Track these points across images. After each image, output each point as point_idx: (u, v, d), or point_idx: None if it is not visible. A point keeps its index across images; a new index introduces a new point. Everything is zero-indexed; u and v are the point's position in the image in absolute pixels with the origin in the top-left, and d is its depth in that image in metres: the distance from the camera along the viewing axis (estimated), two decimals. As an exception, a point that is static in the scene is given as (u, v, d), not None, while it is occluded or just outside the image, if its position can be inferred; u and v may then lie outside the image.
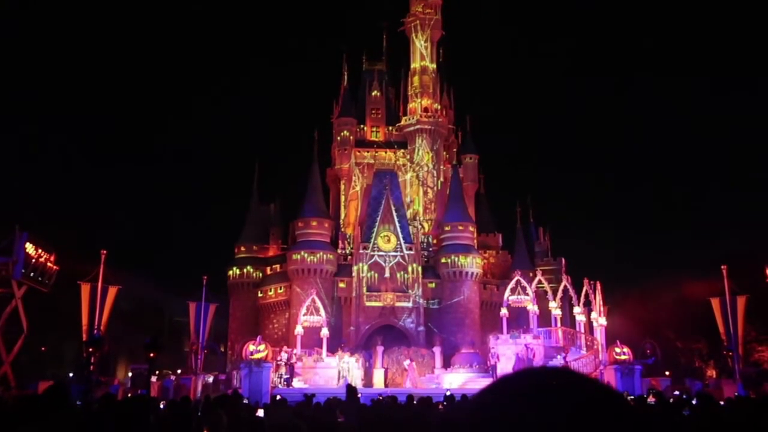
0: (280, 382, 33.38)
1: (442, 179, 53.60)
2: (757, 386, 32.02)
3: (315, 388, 28.87)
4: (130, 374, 39.34)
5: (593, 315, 38.89)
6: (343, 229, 51.31)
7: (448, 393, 22.73)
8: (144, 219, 76.48)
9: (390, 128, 54.83)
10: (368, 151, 54.02)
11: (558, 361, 36.12)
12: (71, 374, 43.23)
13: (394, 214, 48.37)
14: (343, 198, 53.68)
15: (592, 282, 39.45)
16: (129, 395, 23.54)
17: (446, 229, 49.35)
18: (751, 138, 79.00)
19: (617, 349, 33.84)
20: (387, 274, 47.05)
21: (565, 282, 41.42)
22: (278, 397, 17.90)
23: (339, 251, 48.54)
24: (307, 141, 53.21)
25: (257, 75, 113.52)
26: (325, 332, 38.61)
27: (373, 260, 47.35)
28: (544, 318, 40.94)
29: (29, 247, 31.34)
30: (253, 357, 32.18)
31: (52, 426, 3.51)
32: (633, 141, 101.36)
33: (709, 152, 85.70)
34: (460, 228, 49.10)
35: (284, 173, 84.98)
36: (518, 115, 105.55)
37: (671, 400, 17.81)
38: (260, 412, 11.19)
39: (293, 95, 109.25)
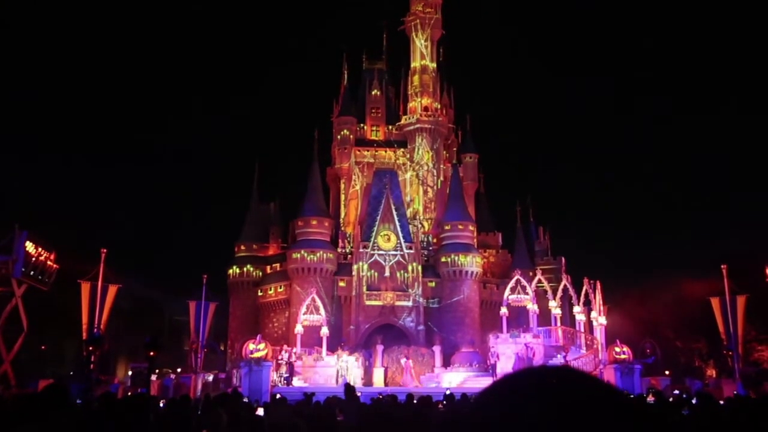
0: (280, 381, 33.41)
1: (442, 178, 53.60)
2: (756, 386, 32.05)
3: (315, 387, 28.86)
4: (130, 373, 39.41)
5: (593, 314, 38.93)
6: (343, 228, 51.32)
7: (447, 392, 22.71)
8: (144, 219, 76.50)
9: (390, 127, 54.82)
10: (368, 150, 54.02)
11: (558, 360, 36.16)
12: (71, 373, 43.26)
13: (394, 213, 48.37)
14: (343, 197, 53.69)
15: (592, 281, 39.52)
16: (129, 394, 23.53)
17: (446, 228, 49.35)
18: (751, 138, 79.05)
19: (617, 349, 33.88)
20: (387, 273, 47.05)
21: (565, 281, 41.45)
22: (278, 396, 17.91)
23: (339, 250, 48.54)
24: (307, 140, 53.26)
25: (258, 75, 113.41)
26: (325, 331, 38.63)
27: (373, 259, 47.35)
28: (544, 317, 40.95)
29: (29, 246, 31.35)
30: (253, 356, 32.22)
31: (51, 425, 3.51)
32: (633, 141, 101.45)
33: (709, 152, 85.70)
34: (460, 227, 49.10)
35: (284, 172, 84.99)
36: (518, 114, 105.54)
37: (671, 400, 17.82)
38: (260, 411, 11.20)
39: (293, 95, 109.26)
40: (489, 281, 50.56)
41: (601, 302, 38.98)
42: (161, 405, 12.28)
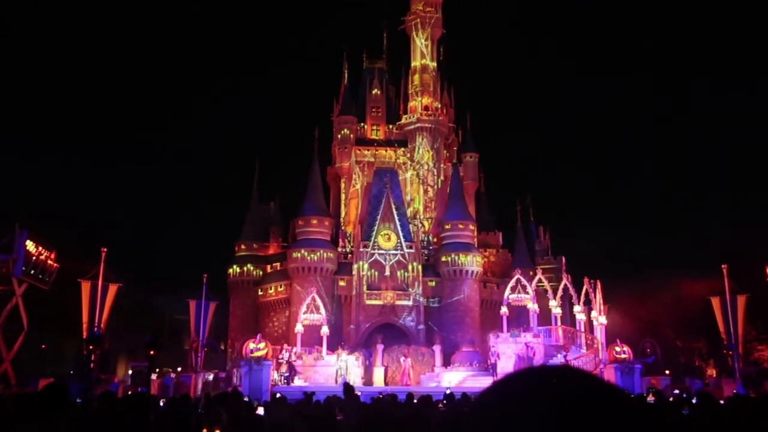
0: (281, 380, 33.43)
1: (442, 178, 53.60)
2: (757, 385, 32.06)
3: (315, 387, 28.87)
4: (130, 372, 39.44)
5: (593, 314, 38.93)
6: (343, 228, 51.33)
7: (448, 391, 22.71)
8: (144, 219, 76.52)
9: (390, 126, 54.82)
10: (368, 150, 54.01)
11: (558, 359, 36.16)
12: (72, 372, 43.27)
13: (395, 212, 48.38)
14: (343, 196, 53.68)
15: (592, 281, 39.52)
16: (129, 393, 23.53)
17: (446, 227, 49.35)
18: (751, 138, 79.04)
19: (617, 348, 33.87)
20: (387, 273, 47.05)
21: (565, 281, 41.46)
22: (278, 395, 17.92)
23: (339, 249, 48.55)
24: (308, 139, 53.31)
25: (257, 75, 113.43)
26: (325, 330, 38.64)
27: (373, 258, 47.36)
28: (545, 317, 40.95)
29: (30, 245, 31.34)
30: (253, 355, 32.22)
31: (51, 424, 3.51)
32: (633, 141, 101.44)
33: (709, 152, 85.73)
34: (461, 226, 49.09)
35: (284, 172, 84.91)
36: (518, 113, 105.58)
37: (671, 399, 17.83)
38: (260, 410, 11.20)
39: (293, 94, 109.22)
40: (489, 281, 50.57)
41: (601, 302, 38.98)
42: (161, 404, 12.29)
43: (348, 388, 11.47)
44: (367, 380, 38.13)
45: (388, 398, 13.49)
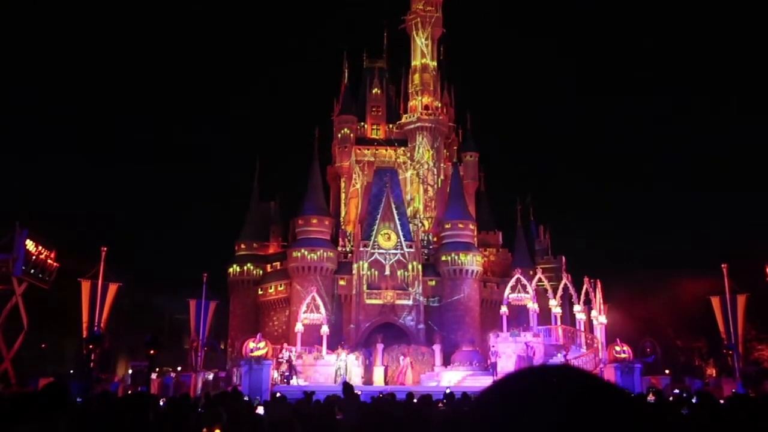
0: (281, 380, 33.44)
1: (442, 177, 53.59)
2: (757, 385, 32.09)
3: (315, 386, 28.87)
4: (130, 371, 39.45)
5: (593, 313, 38.93)
6: (343, 227, 51.31)
7: (447, 391, 22.69)
8: (144, 219, 76.56)
9: (390, 126, 54.82)
10: (369, 149, 54.00)
11: (558, 359, 36.17)
12: (72, 371, 43.26)
13: (395, 211, 48.37)
14: (343, 196, 53.67)
15: (592, 280, 39.53)
16: (129, 392, 23.54)
17: (446, 226, 49.34)
18: (751, 138, 79.02)
19: (617, 348, 33.88)
20: (387, 272, 47.05)
21: (565, 280, 41.46)
22: (278, 395, 17.91)
23: (339, 249, 48.55)
24: (308, 139, 53.34)
25: (258, 74, 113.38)
26: (325, 330, 38.64)
27: (373, 258, 47.35)
28: (544, 316, 40.95)
29: (29, 244, 31.34)
30: (253, 354, 32.22)
31: (51, 424, 3.51)
32: (633, 141, 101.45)
33: (709, 152, 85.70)
34: (461, 226, 49.08)
35: (284, 171, 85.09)
36: (519, 113, 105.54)
37: (671, 399, 17.83)
38: (260, 410, 11.20)
39: (293, 94, 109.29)
40: (489, 280, 50.56)
41: (601, 301, 38.98)
42: (161, 403, 12.29)
43: (348, 387, 11.46)
44: (367, 380, 38.14)
45: (388, 397, 13.49)
